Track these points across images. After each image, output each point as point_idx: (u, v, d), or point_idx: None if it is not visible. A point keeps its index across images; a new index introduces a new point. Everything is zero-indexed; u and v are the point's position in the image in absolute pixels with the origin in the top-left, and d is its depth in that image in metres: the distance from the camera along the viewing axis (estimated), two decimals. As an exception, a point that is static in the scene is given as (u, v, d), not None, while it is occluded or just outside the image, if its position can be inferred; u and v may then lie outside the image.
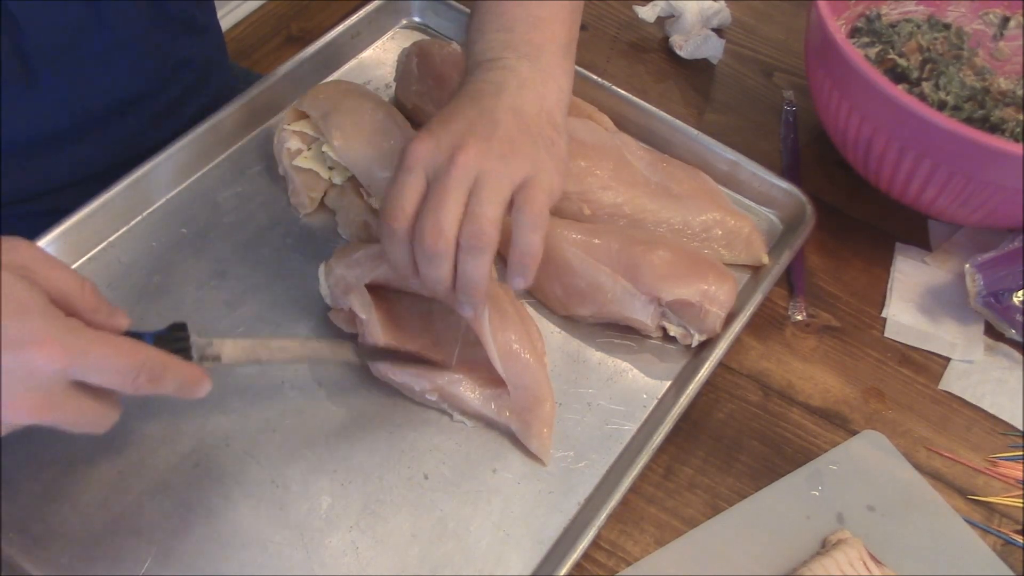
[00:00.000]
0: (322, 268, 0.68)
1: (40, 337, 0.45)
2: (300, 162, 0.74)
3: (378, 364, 0.65)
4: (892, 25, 0.87)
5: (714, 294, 0.68)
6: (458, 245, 0.56)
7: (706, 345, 0.70)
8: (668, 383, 0.70)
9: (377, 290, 0.66)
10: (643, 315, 0.69)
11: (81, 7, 0.68)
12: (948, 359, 0.75)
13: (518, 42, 0.62)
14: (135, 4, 0.72)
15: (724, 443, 0.69)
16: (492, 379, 0.65)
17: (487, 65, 0.61)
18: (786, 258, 0.74)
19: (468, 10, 0.80)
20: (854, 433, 0.70)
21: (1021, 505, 0.68)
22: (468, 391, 0.65)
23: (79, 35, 0.70)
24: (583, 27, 0.95)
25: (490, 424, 0.66)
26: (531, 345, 0.66)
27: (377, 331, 0.65)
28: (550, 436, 0.65)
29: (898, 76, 0.83)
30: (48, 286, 0.47)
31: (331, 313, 0.68)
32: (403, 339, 0.66)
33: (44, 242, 0.68)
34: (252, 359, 0.57)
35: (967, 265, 0.75)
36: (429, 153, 0.57)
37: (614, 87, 0.83)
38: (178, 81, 0.81)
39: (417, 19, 0.90)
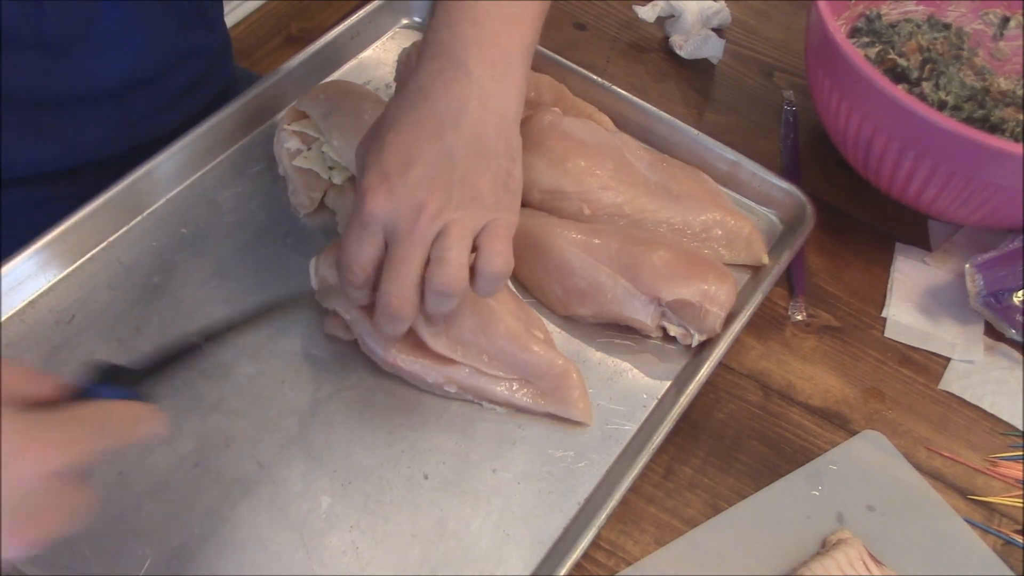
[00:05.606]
0: (312, 262, 0.68)
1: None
2: (300, 162, 0.74)
3: (387, 354, 0.65)
4: (892, 25, 0.87)
5: (714, 294, 0.68)
6: (423, 289, 0.57)
7: (706, 345, 0.70)
8: (668, 383, 0.70)
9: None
10: (643, 315, 0.69)
11: None
12: (948, 359, 0.75)
13: (486, 41, 0.59)
14: None
15: (724, 443, 0.69)
16: None
17: (449, 69, 0.58)
18: (786, 258, 0.74)
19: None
20: (854, 433, 0.70)
21: (1021, 505, 0.68)
22: (492, 383, 0.65)
23: (95, 15, 0.70)
24: (583, 27, 0.96)
25: (523, 410, 0.66)
26: (526, 333, 0.66)
27: (364, 326, 0.65)
28: (587, 399, 0.66)
29: (898, 76, 0.83)
30: None
31: (326, 324, 0.68)
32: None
33: (44, 242, 0.68)
34: None
35: (967, 265, 0.75)
36: (386, 212, 0.56)
37: (614, 87, 0.83)
38: (186, 69, 0.81)
39: (417, 19, 0.90)
